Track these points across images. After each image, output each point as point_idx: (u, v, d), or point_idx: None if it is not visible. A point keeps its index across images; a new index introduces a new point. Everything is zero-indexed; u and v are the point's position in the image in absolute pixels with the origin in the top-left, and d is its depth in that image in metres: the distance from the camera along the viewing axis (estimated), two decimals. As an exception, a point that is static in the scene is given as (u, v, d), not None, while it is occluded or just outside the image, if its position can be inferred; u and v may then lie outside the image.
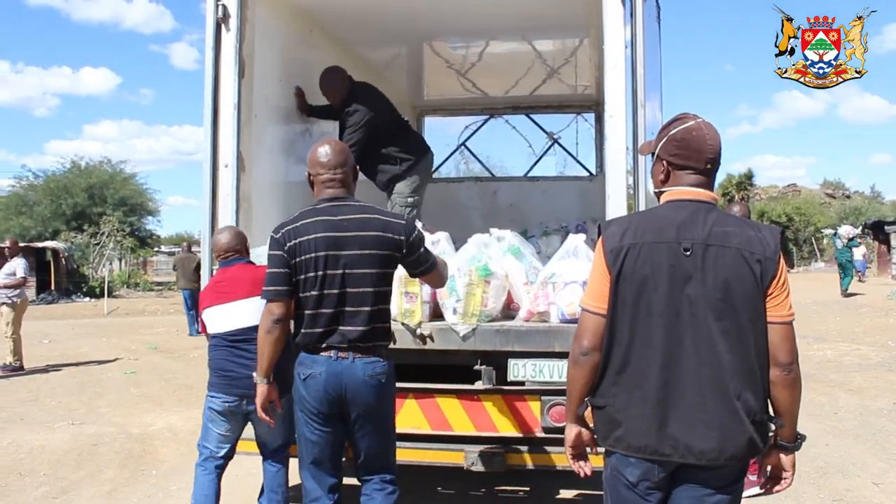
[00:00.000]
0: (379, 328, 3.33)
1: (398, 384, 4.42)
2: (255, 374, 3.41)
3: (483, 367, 4.31)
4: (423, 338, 4.37)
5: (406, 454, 4.43)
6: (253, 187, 4.87)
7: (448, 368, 4.51)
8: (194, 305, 15.01)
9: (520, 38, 6.79)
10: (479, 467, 4.19)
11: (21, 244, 11.86)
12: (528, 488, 5.24)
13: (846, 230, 28.91)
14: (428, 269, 3.47)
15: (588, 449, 2.57)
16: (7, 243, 10.56)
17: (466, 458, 4.24)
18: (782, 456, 2.46)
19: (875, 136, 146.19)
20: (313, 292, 3.21)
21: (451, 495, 5.19)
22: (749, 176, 53.14)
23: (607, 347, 2.38)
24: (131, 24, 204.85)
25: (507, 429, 4.29)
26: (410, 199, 5.83)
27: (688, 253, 2.30)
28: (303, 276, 3.21)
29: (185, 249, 18.01)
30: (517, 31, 6.51)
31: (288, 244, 3.22)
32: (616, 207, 4.27)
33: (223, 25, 4.66)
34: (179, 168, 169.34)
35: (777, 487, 2.53)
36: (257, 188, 4.93)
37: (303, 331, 3.26)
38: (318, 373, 3.22)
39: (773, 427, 2.43)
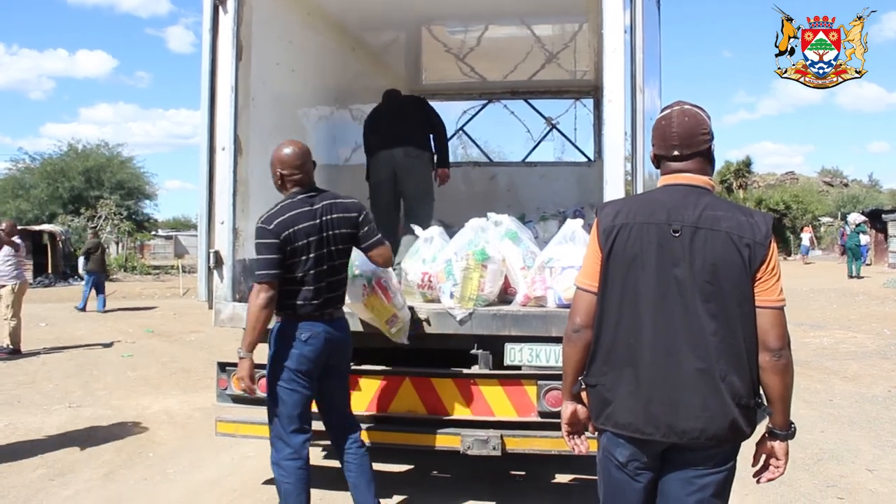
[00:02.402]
0: (345, 291, 3.98)
1: (395, 367, 4.45)
2: (239, 349, 3.75)
3: (480, 351, 4.33)
4: (420, 321, 4.37)
5: (402, 438, 4.46)
6: (250, 171, 4.86)
7: (445, 352, 4.52)
8: (97, 287, 17.21)
9: (519, 23, 6.77)
10: (475, 451, 4.20)
11: (18, 227, 11.80)
12: (523, 472, 5.26)
13: (855, 217, 29.07)
14: (378, 242, 3.95)
15: (587, 429, 2.60)
16: (3, 226, 10.53)
17: (463, 442, 4.25)
18: (775, 444, 2.47)
19: (873, 125, 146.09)
20: (311, 271, 3.71)
21: (447, 479, 5.21)
22: (747, 163, 53.06)
23: (598, 326, 2.43)
24: (127, 6, 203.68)
25: (503, 413, 4.30)
26: None
27: (676, 234, 2.33)
28: (299, 259, 3.70)
29: (93, 236, 19.36)
30: (516, 15, 6.50)
31: (283, 234, 3.66)
32: (614, 193, 4.26)
33: (221, 8, 4.63)
34: (176, 152, 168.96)
35: (768, 476, 2.55)
36: (254, 171, 4.91)
37: (302, 302, 3.72)
38: (319, 332, 3.75)
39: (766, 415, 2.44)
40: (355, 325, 4.48)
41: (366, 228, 3.90)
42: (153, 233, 47.66)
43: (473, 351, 4.35)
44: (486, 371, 4.31)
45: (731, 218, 2.35)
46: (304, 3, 5.82)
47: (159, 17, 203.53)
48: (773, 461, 2.51)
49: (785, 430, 2.45)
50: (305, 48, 5.84)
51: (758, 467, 2.55)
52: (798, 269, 32.20)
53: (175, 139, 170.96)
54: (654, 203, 2.43)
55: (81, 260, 18.41)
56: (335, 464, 5.43)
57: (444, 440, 4.35)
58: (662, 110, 2.58)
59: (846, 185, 62.16)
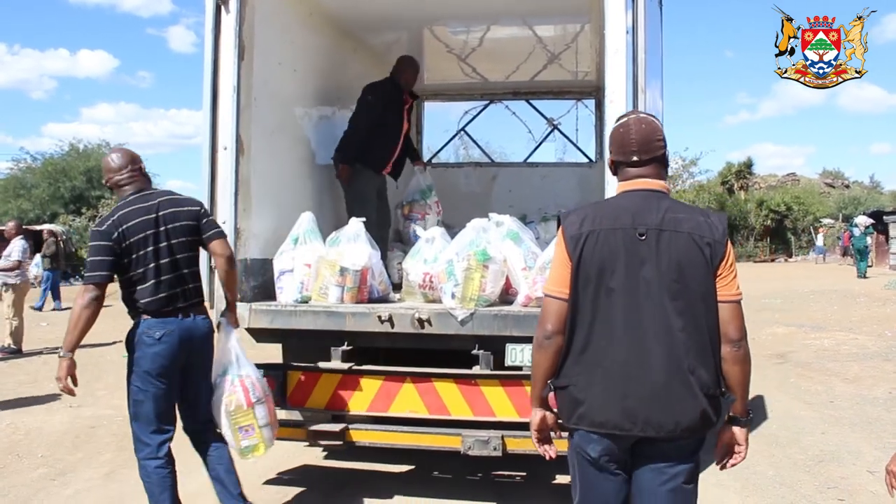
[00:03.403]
0: (199, 286, 4.05)
1: (396, 368, 4.45)
2: (59, 349, 3.82)
3: (481, 351, 4.33)
4: (420, 322, 4.37)
5: (403, 438, 4.46)
6: (252, 171, 4.85)
7: (446, 353, 4.52)
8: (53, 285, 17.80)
9: (520, 23, 6.76)
10: (476, 452, 4.20)
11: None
12: (524, 473, 5.26)
13: (863, 220, 29.20)
14: (218, 234, 4.02)
15: (552, 433, 2.69)
16: (8, 226, 10.55)
17: (464, 442, 4.25)
18: (736, 430, 2.60)
19: (874, 126, 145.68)
20: (150, 265, 3.79)
21: (448, 480, 5.21)
22: (748, 164, 53.08)
23: (570, 330, 2.51)
24: (128, 6, 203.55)
25: (504, 413, 4.30)
26: None
27: (643, 237, 2.46)
28: (136, 255, 3.77)
29: (48, 234, 19.76)
30: (518, 15, 6.49)
31: (114, 234, 3.74)
32: (615, 194, 4.26)
33: (223, 7, 4.63)
34: (177, 152, 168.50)
35: (732, 462, 2.66)
36: (256, 171, 4.91)
37: (148, 299, 3.80)
38: (172, 330, 3.80)
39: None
40: (356, 325, 4.50)
41: (205, 220, 4.00)
42: (154, 233, 47.66)
43: (474, 351, 4.35)
44: (488, 371, 4.31)
45: (691, 219, 2.49)
46: (307, 3, 5.82)
47: (161, 16, 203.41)
48: (736, 447, 2.62)
49: (745, 417, 2.58)
50: (307, 48, 5.85)
51: (721, 455, 2.67)
52: (797, 270, 32.19)
53: (176, 139, 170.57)
54: (618, 209, 2.54)
55: (40, 259, 18.48)
56: (337, 464, 5.45)
57: (445, 441, 4.35)
58: (618, 119, 2.71)
59: (847, 186, 62.10)
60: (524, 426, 4.30)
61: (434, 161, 8.73)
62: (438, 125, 9.05)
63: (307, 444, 4.67)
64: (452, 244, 4.58)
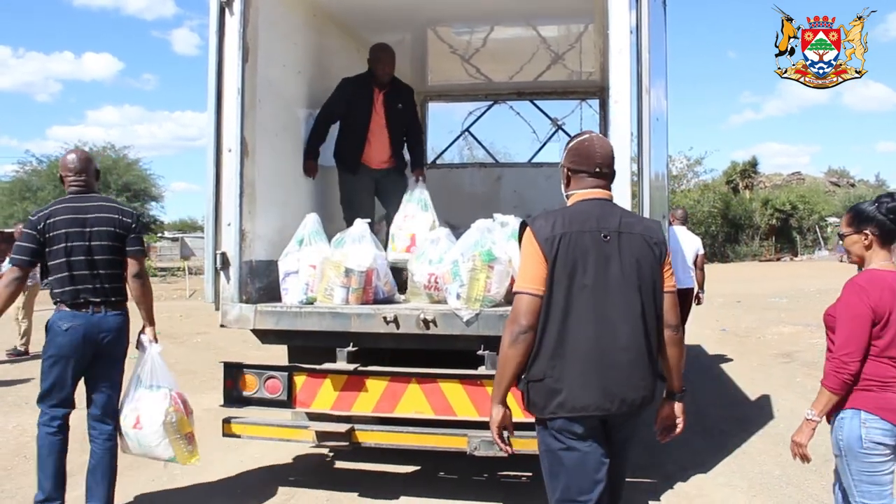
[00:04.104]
0: (119, 286, 4.33)
1: (401, 369, 4.45)
2: None
3: (486, 352, 4.33)
4: (426, 323, 4.38)
5: (409, 439, 4.45)
6: (257, 172, 4.87)
7: (451, 354, 4.52)
8: None
9: (524, 24, 6.76)
10: (482, 452, 4.20)
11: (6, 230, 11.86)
12: (530, 473, 5.25)
13: None
14: (137, 252, 4.36)
15: (506, 432, 2.93)
16: (17, 228, 10.60)
17: (469, 443, 4.25)
18: (676, 405, 3.00)
19: (880, 124, 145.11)
20: (64, 260, 4.14)
21: (453, 480, 5.21)
22: (753, 164, 52.98)
23: (543, 325, 2.74)
24: (133, 9, 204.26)
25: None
26: None
27: (607, 239, 2.78)
28: (56, 248, 4.15)
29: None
30: (522, 16, 6.49)
31: (40, 225, 4.15)
32: (620, 194, 4.25)
33: (227, 9, 4.65)
34: (182, 154, 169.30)
35: (674, 434, 3.04)
36: (261, 173, 4.92)
37: (60, 290, 4.18)
38: (78, 325, 4.15)
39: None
40: (361, 326, 4.50)
41: (132, 236, 4.34)
42: (159, 235, 47.83)
43: (480, 352, 4.35)
44: (493, 372, 4.30)
45: (640, 223, 2.91)
46: (310, 4, 5.83)
47: (165, 19, 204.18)
48: (677, 420, 3.00)
49: (682, 392, 3.00)
50: (311, 49, 5.86)
51: (663, 428, 3.03)
52: (803, 269, 32.12)
53: (181, 141, 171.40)
54: (583, 214, 2.83)
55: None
56: (343, 465, 5.46)
57: (451, 441, 4.35)
58: (578, 136, 3.04)
59: (853, 185, 61.96)
60: (529, 426, 4.32)
61: (438, 162, 8.74)
62: (442, 126, 9.06)
63: (313, 445, 4.67)
64: (457, 245, 4.58)
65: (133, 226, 4.35)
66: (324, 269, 4.75)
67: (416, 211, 5.37)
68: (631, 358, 2.74)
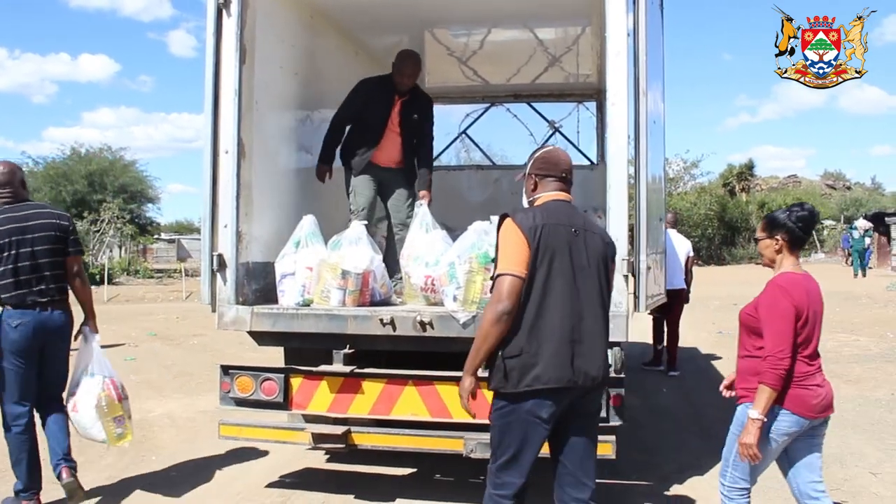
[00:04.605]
0: (63, 286, 4.61)
1: (397, 371, 4.45)
2: None
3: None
4: (422, 325, 4.37)
5: (405, 441, 4.45)
6: (254, 174, 4.86)
7: (448, 356, 4.51)
8: None
9: (521, 26, 6.77)
10: (478, 454, 4.20)
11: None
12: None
13: (862, 223, 29.36)
14: (75, 252, 4.67)
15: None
16: None
17: (466, 445, 4.25)
18: None
19: (875, 128, 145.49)
20: (11, 265, 4.41)
21: (450, 482, 5.21)
22: (750, 166, 53.05)
23: (522, 305, 3.05)
24: (129, 11, 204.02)
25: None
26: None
27: (576, 234, 3.18)
28: (2, 255, 4.40)
29: None
30: (519, 18, 6.49)
31: None
32: (617, 196, 4.27)
33: (224, 11, 4.64)
34: (178, 155, 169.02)
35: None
36: (258, 175, 4.92)
37: (7, 294, 4.42)
38: (27, 321, 4.42)
39: None
40: (357, 328, 4.49)
41: (71, 238, 4.65)
42: (156, 236, 47.75)
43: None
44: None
45: (595, 224, 3.45)
46: (308, 6, 5.82)
47: (161, 21, 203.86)
48: None
49: None
50: (308, 51, 5.85)
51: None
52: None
53: (177, 143, 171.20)
54: (555, 211, 3.22)
55: None
56: (339, 467, 5.45)
57: (447, 443, 4.35)
58: (542, 148, 3.53)
59: (849, 188, 62.05)
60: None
61: (436, 164, 8.73)
62: (440, 128, 9.01)
63: (309, 447, 4.66)
64: (454, 247, 4.57)
65: (70, 228, 4.68)
66: (320, 271, 4.75)
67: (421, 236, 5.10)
68: (594, 338, 3.14)
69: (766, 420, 3.29)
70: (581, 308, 3.11)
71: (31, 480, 4.53)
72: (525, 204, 3.43)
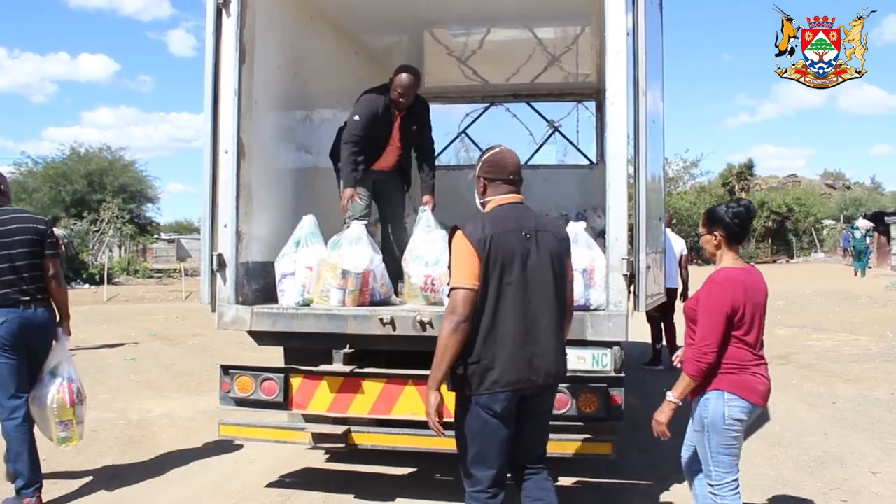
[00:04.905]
0: (42, 286, 4.78)
1: (397, 371, 4.45)
2: None
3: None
4: (422, 324, 4.37)
5: (405, 441, 4.45)
6: (253, 174, 4.86)
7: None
8: None
9: (521, 26, 6.77)
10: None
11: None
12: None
13: (863, 223, 29.46)
14: (51, 255, 4.83)
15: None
16: None
17: (465, 445, 4.24)
18: None
19: (875, 127, 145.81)
20: None
21: (450, 482, 5.20)
22: (749, 166, 53.01)
23: (478, 315, 3.14)
24: (129, 10, 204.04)
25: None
26: None
27: (527, 237, 3.24)
28: None
29: None
30: (518, 18, 6.49)
31: None
32: (616, 196, 4.26)
33: (224, 11, 4.64)
34: (177, 155, 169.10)
35: None
36: (258, 175, 4.92)
37: None
38: (12, 318, 4.61)
39: None
40: (357, 328, 4.49)
41: (48, 241, 4.83)
42: (156, 236, 47.75)
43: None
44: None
45: (549, 222, 3.46)
46: (307, 6, 5.82)
47: (161, 20, 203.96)
48: None
49: None
50: (308, 52, 5.85)
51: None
52: (799, 271, 32.16)
53: (177, 142, 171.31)
54: (505, 217, 3.27)
55: None
56: (339, 467, 5.46)
57: (447, 443, 4.33)
58: (489, 150, 3.50)
59: (848, 187, 62.08)
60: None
61: (435, 164, 8.73)
62: (439, 128, 9.00)
63: (309, 446, 4.67)
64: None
65: (47, 232, 4.86)
66: (320, 270, 4.75)
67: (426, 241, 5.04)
68: (549, 337, 3.25)
69: (679, 404, 3.50)
70: (536, 311, 3.22)
71: (32, 474, 4.63)
72: (478, 205, 3.47)
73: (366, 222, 5.11)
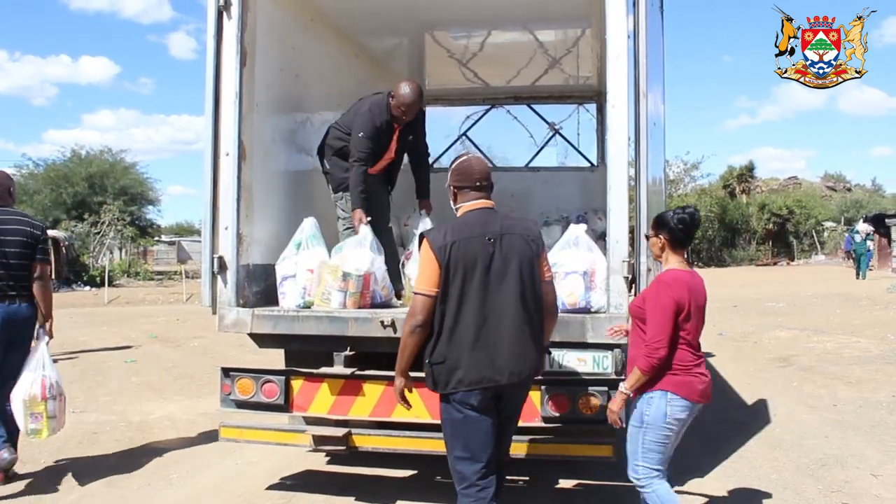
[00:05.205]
0: (27, 284, 5.14)
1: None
2: None
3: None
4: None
5: (406, 443, 4.45)
6: (254, 176, 4.87)
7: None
8: None
9: (521, 28, 6.77)
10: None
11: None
12: (527, 478, 5.25)
13: (864, 227, 29.58)
14: (41, 260, 5.20)
15: (407, 391, 3.58)
16: None
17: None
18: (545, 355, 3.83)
19: (875, 129, 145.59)
20: None
21: (450, 485, 5.18)
22: (750, 168, 53.05)
23: (440, 318, 3.34)
24: (129, 13, 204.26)
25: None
26: None
27: (490, 241, 3.38)
28: None
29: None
30: (519, 20, 6.50)
31: None
32: (617, 198, 4.26)
33: (225, 13, 4.65)
34: (178, 157, 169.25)
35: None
36: (258, 177, 4.92)
37: None
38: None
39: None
40: (358, 330, 4.50)
41: (40, 245, 5.23)
42: (156, 238, 47.78)
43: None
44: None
45: (518, 225, 3.52)
46: (308, 9, 5.83)
47: (161, 23, 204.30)
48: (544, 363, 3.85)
49: (548, 352, 3.97)
50: (309, 54, 5.85)
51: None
52: (800, 273, 32.15)
53: (177, 145, 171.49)
54: (470, 223, 3.45)
55: None
56: (340, 469, 5.46)
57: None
58: (458, 158, 3.70)
59: (849, 189, 62.05)
60: (526, 431, 4.33)
61: (436, 166, 8.73)
62: (440, 130, 9.04)
63: (310, 449, 4.67)
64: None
65: (41, 237, 5.26)
66: (321, 273, 4.75)
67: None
68: (514, 338, 3.36)
69: (630, 395, 3.65)
70: (499, 313, 3.36)
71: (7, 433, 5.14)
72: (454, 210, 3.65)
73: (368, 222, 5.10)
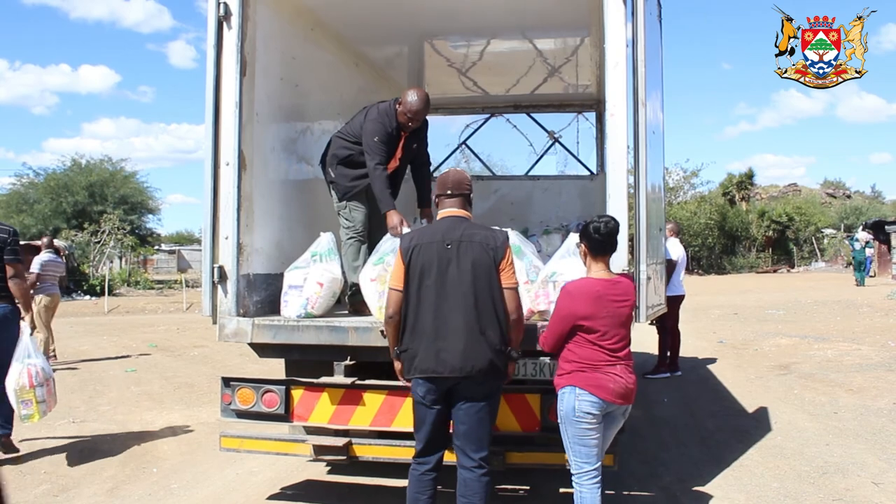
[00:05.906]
0: (4, 285, 5.68)
1: (398, 383, 4.45)
2: None
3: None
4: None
5: (407, 453, 4.43)
6: (254, 186, 4.87)
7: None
8: None
9: (521, 37, 6.79)
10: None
11: (21, 242, 11.96)
12: (528, 487, 5.24)
13: (863, 235, 29.68)
14: (12, 260, 5.71)
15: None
16: (42, 241, 11.32)
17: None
18: (510, 363, 3.92)
19: (874, 136, 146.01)
20: None
21: (451, 494, 5.18)
22: (749, 175, 53.04)
23: (405, 312, 3.79)
24: (129, 22, 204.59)
25: (507, 427, 4.29)
26: None
27: (449, 247, 3.77)
28: None
29: None
30: (518, 30, 6.52)
31: None
32: (617, 206, 4.27)
33: (225, 23, 4.66)
34: (178, 166, 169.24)
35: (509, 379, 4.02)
36: (258, 186, 4.93)
37: None
38: None
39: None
40: (358, 340, 4.49)
41: (9, 247, 5.69)
42: (156, 247, 47.82)
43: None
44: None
45: (482, 234, 3.83)
46: (308, 18, 5.84)
47: (161, 32, 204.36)
48: (510, 371, 3.97)
49: (517, 357, 3.93)
50: (309, 63, 5.87)
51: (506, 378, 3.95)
52: (799, 281, 32.13)
53: (177, 154, 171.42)
54: (434, 229, 3.88)
55: None
56: (341, 479, 5.45)
57: (448, 455, 4.33)
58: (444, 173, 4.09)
59: (849, 196, 62.12)
60: (527, 440, 4.32)
61: (436, 175, 8.74)
62: (440, 139, 9.07)
63: (310, 458, 4.66)
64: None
65: (9, 239, 5.73)
66: (333, 289, 4.84)
67: None
68: (460, 337, 3.69)
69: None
70: (449, 312, 3.72)
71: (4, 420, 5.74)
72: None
73: (362, 237, 5.12)
